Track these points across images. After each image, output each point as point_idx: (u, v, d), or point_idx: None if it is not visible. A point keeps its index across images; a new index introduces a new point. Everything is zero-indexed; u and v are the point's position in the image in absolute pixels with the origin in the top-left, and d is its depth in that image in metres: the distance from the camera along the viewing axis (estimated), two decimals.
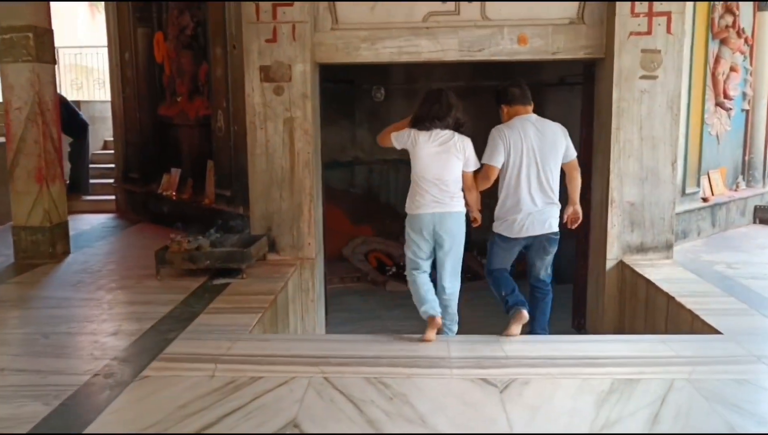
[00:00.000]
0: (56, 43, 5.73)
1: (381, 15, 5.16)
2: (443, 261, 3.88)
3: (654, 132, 5.00)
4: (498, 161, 3.79)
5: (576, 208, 3.99)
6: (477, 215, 4.01)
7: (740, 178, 6.92)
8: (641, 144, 5.01)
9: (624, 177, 5.05)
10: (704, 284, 4.45)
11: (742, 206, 6.68)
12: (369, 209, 11.43)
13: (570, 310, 5.64)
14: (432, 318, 3.67)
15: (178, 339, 3.61)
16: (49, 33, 5.42)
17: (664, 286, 4.36)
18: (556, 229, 3.94)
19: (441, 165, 3.74)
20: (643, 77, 4.95)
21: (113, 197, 7.88)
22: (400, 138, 3.91)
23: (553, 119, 4.03)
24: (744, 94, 6.76)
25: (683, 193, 5.77)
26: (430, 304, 3.76)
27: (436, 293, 3.90)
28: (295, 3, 4.98)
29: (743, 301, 4.08)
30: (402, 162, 12.18)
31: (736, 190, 6.76)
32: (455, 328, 4.04)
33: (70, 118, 7.75)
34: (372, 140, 12.17)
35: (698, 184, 5.98)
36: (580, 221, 4.03)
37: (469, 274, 6.32)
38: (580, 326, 5.56)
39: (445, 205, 3.75)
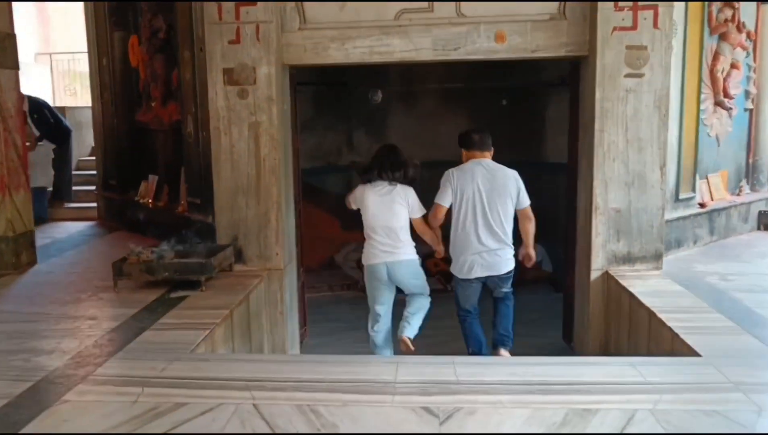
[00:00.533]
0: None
1: (351, 14, 4.90)
2: (407, 298, 4.32)
3: (640, 133, 4.68)
4: (446, 201, 3.98)
5: (528, 251, 4.19)
6: (439, 248, 4.19)
7: (743, 181, 6.55)
8: (627, 146, 4.70)
9: (609, 182, 4.75)
10: (691, 298, 4.12)
11: (744, 212, 6.31)
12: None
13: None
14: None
15: (114, 358, 3.38)
16: (11, 38, 5.24)
17: (647, 301, 4.05)
18: (506, 270, 4.10)
19: (388, 214, 4.02)
20: (628, 75, 4.64)
21: (96, 204, 7.72)
22: (352, 197, 4.32)
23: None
24: (747, 93, 6.40)
25: (676, 198, 5.43)
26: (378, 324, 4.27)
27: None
28: (259, 2, 4.75)
29: (731, 317, 3.75)
30: None
31: (738, 195, 6.40)
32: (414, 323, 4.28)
33: (54, 125, 7.61)
34: (369, 144, 12.17)
35: (694, 189, 5.64)
36: (533, 262, 4.24)
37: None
38: (569, 340, 5.27)
39: (395, 254, 4.01)
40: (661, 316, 3.77)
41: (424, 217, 4.11)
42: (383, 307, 4.23)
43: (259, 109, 4.87)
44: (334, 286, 8.56)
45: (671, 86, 4.93)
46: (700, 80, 5.48)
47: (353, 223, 9.98)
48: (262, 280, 4.85)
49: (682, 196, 5.46)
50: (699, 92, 5.47)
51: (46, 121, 7.51)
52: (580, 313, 5.04)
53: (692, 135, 5.49)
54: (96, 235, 6.82)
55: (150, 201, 6.53)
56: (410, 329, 4.19)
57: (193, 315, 4.04)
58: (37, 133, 7.42)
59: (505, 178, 3.90)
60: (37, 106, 7.52)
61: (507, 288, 4.18)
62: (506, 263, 4.03)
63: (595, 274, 4.84)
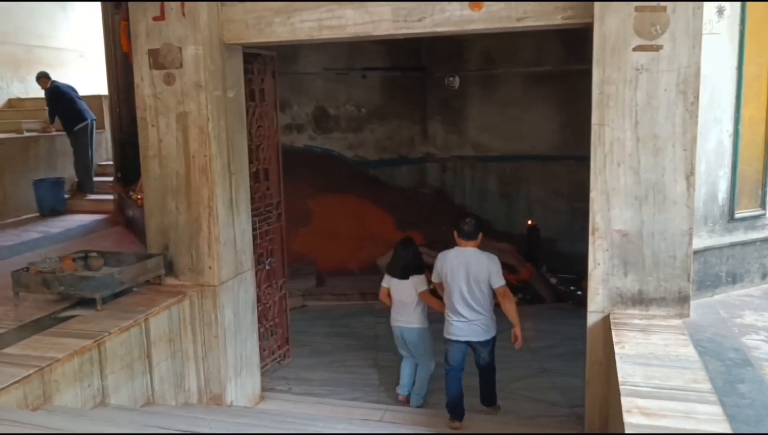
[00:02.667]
0: None
1: None
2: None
3: (657, 129, 3.39)
4: (436, 278, 4.61)
5: (514, 331, 4.47)
6: (442, 308, 4.67)
7: None
8: (637, 146, 3.42)
9: (611, 194, 3.50)
10: (693, 373, 2.79)
11: None
12: (438, 210, 10.20)
13: None
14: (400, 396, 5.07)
15: None
16: None
17: (623, 369, 2.83)
18: (484, 338, 4.46)
19: (403, 293, 4.97)
20: (639, 48, 3.35)
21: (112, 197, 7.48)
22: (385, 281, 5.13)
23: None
24: None
25: (731, 217, 3.96)
26: (401, 385, 5.11)
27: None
28: None
29: (734, 414, 2.45)
30: (479, 159, 10.79)
31: None
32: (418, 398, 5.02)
33: (65, 111, 7.43)
34: (445, 135, 11.10)
35: (764, 204, 4.12)
36: (520, 342, 4.47)
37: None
38: None
39: (406, 321, 4.98)
40: (625, 400, 2.56)
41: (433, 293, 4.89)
42: (405, 355, 5.16)
43: (186, 97, 4.14)
44: (367, 294, 7.72)
45: (724, 62, 3.59)
46: None
47: (410, 222, 9.27)
48: (183, 297, 4.14)
49: (740, 213, 3.99)
50: None
51: (62, 107, 7.33)
52: (582, 366, 3.84)
53: (760, 129, 3.98)
54: (93, 230, 6.50)
55: (139, 197, 6.06)
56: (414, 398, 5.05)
57: (46, 345, 3.37)
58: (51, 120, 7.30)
59: (479, 266, 4.38)
60: (55, 92, 7.38)
61: (486, 356, 4.59)
62: (484, 332, 4.46)
63: (593, 318, 3.63)
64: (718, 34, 3.70)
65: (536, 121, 10.26)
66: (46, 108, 7.54)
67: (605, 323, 3.56)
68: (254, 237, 4.91)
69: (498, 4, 3.68)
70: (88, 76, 9.72)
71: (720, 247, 3.87)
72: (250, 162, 4.87)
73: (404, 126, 10.92)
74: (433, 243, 8.92)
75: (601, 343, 3.58)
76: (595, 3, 3.38)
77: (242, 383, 4.62)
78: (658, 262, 3.48)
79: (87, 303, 3.90)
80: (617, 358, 2.98)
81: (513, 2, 3.65)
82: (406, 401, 5.01)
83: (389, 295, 5.09)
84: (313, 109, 10.28)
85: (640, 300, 3.54)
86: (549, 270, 8.76)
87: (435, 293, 4.84)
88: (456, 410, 4.50)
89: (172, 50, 4.10)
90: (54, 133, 7.77)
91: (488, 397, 4.78)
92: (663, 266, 3.48)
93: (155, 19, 4.11)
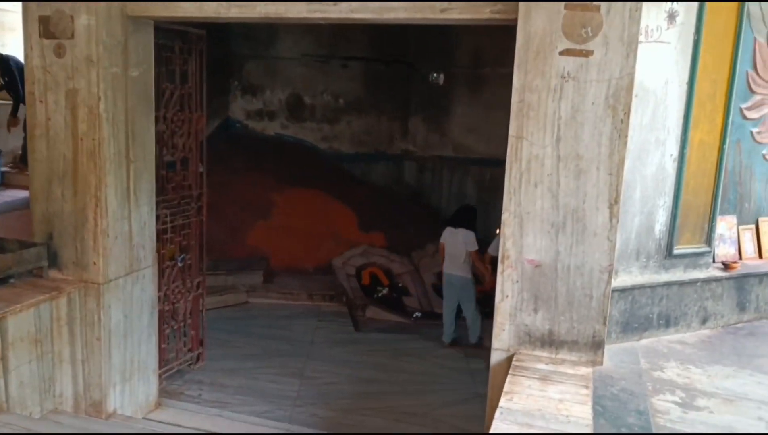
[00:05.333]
0: None
1: None
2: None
3: (581, 148, 2.92)
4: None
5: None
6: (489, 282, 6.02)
7: None
8: (558, 166, 2.96)
9: (526, 219, 3.04)
10: None
11: None
12: (411, 213, 9.73)
13: None
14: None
15: None
16: None
17: (495, 428, 2.39)
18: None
19: (454, 246, 6.08)
20: (566, 53, 2.88)
21: None
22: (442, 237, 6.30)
23: None
24: None
25: (669, 253, 3.46)
26: (445, 334, 6.25)
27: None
28: None
29: None
30: (459, 161, 10.25)
31: None
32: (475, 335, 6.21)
33: (7, 82, 7.01)
34: (426, 133, 10.60)
35: (709, 240, 3.62)
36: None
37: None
38: None
39: (454, 270, 6.09)
40: None
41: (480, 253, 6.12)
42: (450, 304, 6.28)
43: (77, 73, 3.69)
44: (314, 295, 7.28)
45: (672, 77, 3.12)
46: (732, 69, 3.44)
47: (373, 223, 8.79)
48: (59, 294, 3.71)
49: (680, 249, 3.49)
50: (729, 89, 3.44)
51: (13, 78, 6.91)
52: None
53: (711, 155, 3.48)
54: (16, 208, 6.06)
55: None
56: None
57: None
58: None
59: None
60: (3, 63, 6.97)
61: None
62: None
63: (496, 356, 3.19)
64: (667, 43, 3.20)
65: None
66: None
67: (508, 364, 3.11)
68: (164, 231, 4.51)
69: None
70: None
71: (653, 286, 3.39)
72: (164, 150, 4.45)
73: (384, 120, 10.43)
74: (395, 247, 8.52)
75: (502, 385, 3.12)
76: None
77: (132, 389, 4.20)
78: (572, 300, 3.02)
79: None
80: (497, 413, 2.53)
81: None
82: (451, 346, 6.11)
83: (442, 250, 6.22)
84: (287, 96, 9.80)
85: (549, 341, 3.09)
86: None
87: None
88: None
89: (64, 18, 3.66)
90: None
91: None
92: (577, 305, 3.02)
93: None
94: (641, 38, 2.96)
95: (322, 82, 9.94)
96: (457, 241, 6.02)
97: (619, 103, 2.84)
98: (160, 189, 4.39)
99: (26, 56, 3.81)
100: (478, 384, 5.24)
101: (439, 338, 6.27)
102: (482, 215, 10.69)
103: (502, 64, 10.06)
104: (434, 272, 7.86)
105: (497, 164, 10.22)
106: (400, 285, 7.71)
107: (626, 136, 2.86)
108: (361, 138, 10.43)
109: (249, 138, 9.68)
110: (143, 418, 4.27)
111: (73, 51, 3.68)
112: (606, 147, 2.89)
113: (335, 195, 8.96)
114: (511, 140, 3.02)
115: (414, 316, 7.08)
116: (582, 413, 2.54)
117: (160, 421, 4.22)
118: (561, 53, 2.88)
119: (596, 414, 2.58)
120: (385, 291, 7.56)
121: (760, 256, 3.93)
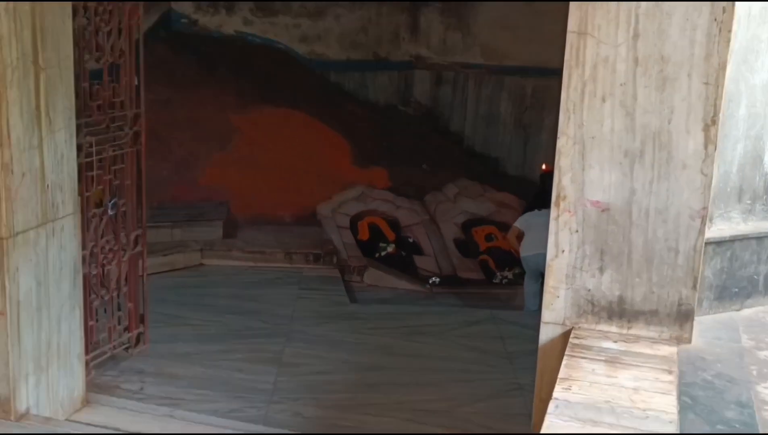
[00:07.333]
0: None
1: None
2: None
3: (667, 46, 2.99)
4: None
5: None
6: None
7: None
8: (634, 72, 3.02)
9: (589, 145, 3.10)
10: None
11: None
12: (423, 140, 9.84)
13: None
14: None
15: None
16: None
17: (548, 422, 2.51)
18: None
19: (543, 226, 6.32)
20: None
21: None
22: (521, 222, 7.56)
23: None
24: None
25: None
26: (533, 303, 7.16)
27: None
28: None
29: None
30: (490, 70, 10.38)
31: None
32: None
33: None
34: (445, 28, 10.60)
35: None
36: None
37: None
38: None
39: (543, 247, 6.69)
40: None
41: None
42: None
43: None
44: (294, 254, 7.38)
45: None
46: None
47: (372, 156, 8.92)
48: None
49: None
50: None
51: None
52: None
53: None
54: None
55: None
56: None
57: None
58: None
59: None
60: None
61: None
62: None
63: (547, 332, 3.31)
64: None
65: None
66: None
67: (564, 342, 3.21)
68: (89, 166, 4.62)
69: None
70: None
71: (759, 238, 3.49)
72: (85, 53, 4.49)
73: (385, 14, 10.49)
74: (403, 188, 8.64)
75: (555, 370, 3.23)
76: None
77: (50, 382, 4.32)
78: (651, 255, 3.11)
79: None
80: (550, 407, 2.63)
81: None
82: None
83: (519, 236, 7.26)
84: None
85: (620, 311, 3.20)
86: None
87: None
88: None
89: None
90: None
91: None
92: (658, 263, 3.11)
93: None
94: None
95: None
96: (545, 220, 7.16)
97: None
98: (82, 108, 4.48)
99: None
100: (518, 371, 5.40)
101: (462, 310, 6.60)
102: (520, 146, 10.89)
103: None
104: (457, 223, 8.03)
105: (544, 74, 10.35)
106: (410, 240, 7.92)
107: (729, 31, 2.89)
108: (355, 38, 10.51)
109: (199, 38, 9.74)
110: (66, 419, 4.41)
111: None
112: (701, 46, 2.91)
113: (320, 117, 9.12)
114: (569, 37, 3.05)
115: (430, 281, 7.26)
116: (665, 406, 2.65)
117: (89, 424, 4.36)
118: None
119: (683, 407, 2.70)
120: (390, 248, 7.77)
121: None
